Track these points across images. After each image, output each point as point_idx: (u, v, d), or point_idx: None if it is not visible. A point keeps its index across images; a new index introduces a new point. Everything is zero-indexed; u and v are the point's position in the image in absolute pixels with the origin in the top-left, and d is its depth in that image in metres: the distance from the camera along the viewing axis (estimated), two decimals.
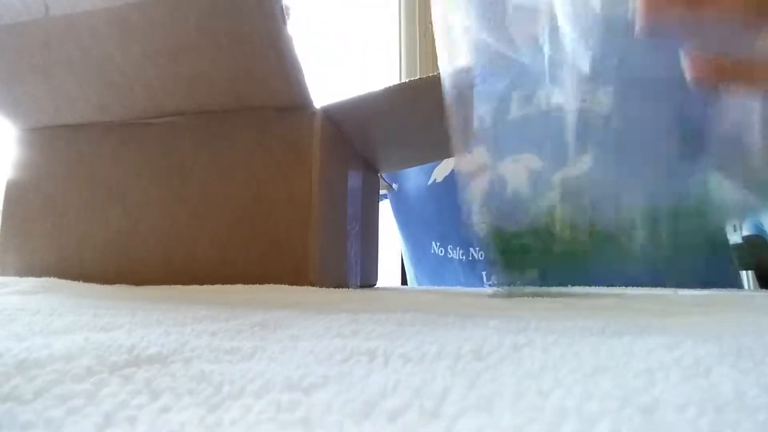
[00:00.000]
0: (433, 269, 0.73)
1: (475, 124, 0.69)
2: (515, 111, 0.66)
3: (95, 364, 0.11)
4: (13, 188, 0.39)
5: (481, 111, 0.70)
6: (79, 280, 0.35)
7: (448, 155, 0.65)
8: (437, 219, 0.70)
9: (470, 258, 0.67)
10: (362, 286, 0.45)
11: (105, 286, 0.33)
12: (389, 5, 1.92)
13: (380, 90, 0.36)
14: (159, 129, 0.37)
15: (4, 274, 0.38)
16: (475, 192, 0.66)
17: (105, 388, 0.10)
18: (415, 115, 0.41)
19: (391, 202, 0.77)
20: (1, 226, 0.39)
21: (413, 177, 0.73)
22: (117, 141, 0.38)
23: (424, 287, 0.64)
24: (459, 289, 0.48)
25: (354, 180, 0.43)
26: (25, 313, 0.19)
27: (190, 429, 0.09)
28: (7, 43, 0.33)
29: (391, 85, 0.36)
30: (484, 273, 0.65)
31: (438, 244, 0.70)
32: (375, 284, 0.49)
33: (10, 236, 0.38)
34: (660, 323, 0.18)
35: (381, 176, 0.53)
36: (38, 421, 0.09)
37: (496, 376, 0.11)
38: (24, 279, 0.33)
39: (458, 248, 0.68)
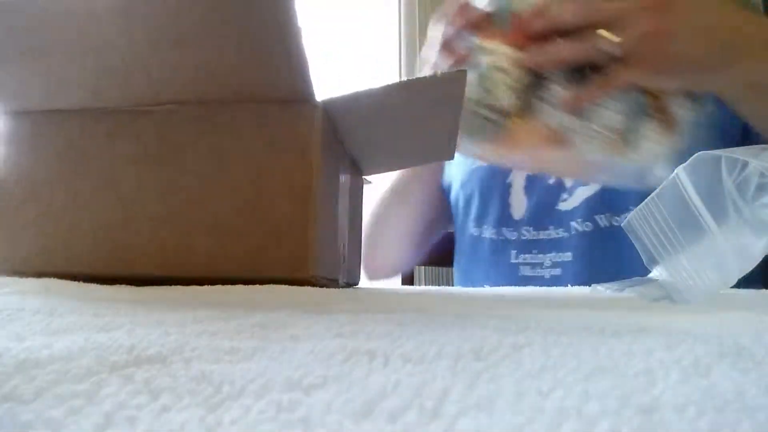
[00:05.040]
0: (464, 252, 0.74)
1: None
2: None
3: (95, 364, 0.11)
4: None
5: None
6: (65, 270, 0.34)
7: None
8: (476, 198, 0.71)
9: (502, 237, 0.67)
10: (348, 285, 0.45)
11: (105, 286, 0.33)
12: (389, 5, 1.92)
13: (379, 87, 0.36)
14: (156, 116, 0.36)
15: None
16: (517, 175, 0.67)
17: (105, 388, 0.10)
18: (410, 116, 0.41)
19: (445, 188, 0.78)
20: None
21: (458, 160, 0.74)
22: (110, 127, 0.36)
23: (422, 287, 0.64)
24: (459, 289, 0.48)
25: (344, 177, 0.43)
26: (25, 313, 0.19)
27: (190, 429, 0.09)
28: None
29: (390, 83, 0.36)
30: (514, 251, 0.66)
31: (473, 224, 0.71)
32: (357, 283, 0.49)
33: None
34: (660, 323, 0.18)
35: (364, 178, 0.53)
36: (38, 421, 0.09)
37: (496, 376, 0.11)
38: (24, 279, 0.33)
39: (490, 227, 0.69)
